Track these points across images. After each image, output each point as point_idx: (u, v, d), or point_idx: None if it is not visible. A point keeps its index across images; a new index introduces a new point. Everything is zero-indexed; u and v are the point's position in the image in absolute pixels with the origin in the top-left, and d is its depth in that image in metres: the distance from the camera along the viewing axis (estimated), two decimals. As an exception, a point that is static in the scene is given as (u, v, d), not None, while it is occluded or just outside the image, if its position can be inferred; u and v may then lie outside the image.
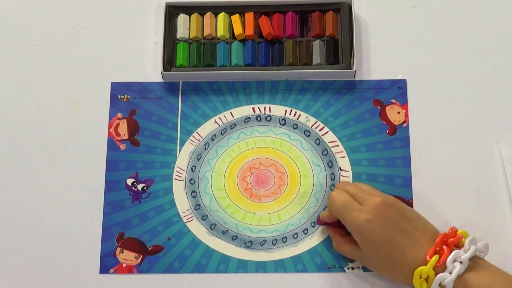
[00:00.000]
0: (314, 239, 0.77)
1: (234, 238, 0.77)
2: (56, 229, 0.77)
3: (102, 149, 0.80)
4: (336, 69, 0.82)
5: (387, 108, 0.81)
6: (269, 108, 0.82)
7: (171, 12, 0.85)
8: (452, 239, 0.68)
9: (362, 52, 0.84)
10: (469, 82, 0.82)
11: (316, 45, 0.83)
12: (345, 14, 0.84)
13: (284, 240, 0.77)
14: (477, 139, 0.80)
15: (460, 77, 0.82)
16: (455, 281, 0.67)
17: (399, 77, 0.83)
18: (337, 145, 0.80)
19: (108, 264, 0.76)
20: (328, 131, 0.81)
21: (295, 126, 0.81)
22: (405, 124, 0.81)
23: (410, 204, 0.77)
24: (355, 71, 0.81)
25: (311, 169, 0.80)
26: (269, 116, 0.82)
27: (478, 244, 0.69)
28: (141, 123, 0.81)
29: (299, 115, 0.81)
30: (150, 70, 0.84)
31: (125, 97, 0.82)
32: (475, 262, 0.68)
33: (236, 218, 0.78)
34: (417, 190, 0.78)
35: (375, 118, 0.81)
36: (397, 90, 0.82)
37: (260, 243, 0.77)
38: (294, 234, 0.77)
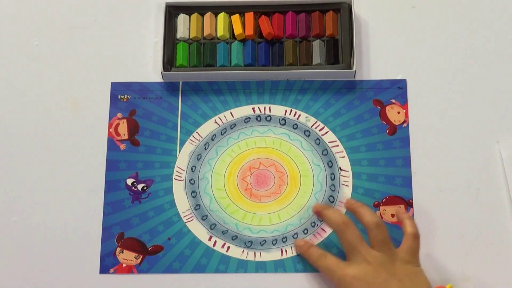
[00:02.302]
0: (314, 239, 0.77)
1: (234, 238, 0.77)
2: (56, 229, 0.77)
3: (102, 149, 0.80)
4: (336, 69, 0.82)
5: (387, 108, 0.81)
6: (269, 108, 0.82)
7: (171, 12, 0.85)
8: None
9: (362, 52, 0.84)
10: (469, 82, 0.82)
11: (316, 45, 0.83)
12: (345, 14, 0.84)
13: (284, 240, 0.77)
14: (477, 139, 0.80)
15: (460, 77, 0.82)
16: None
17: (399, 77, 0.83)
18: (337, 145, 0.80)
19: (108, 264, 0.76)
20: (328, 131, 0.81)
21: (295, 126, 0.81)
22: (405, 124, 0.81)
23: (410, 204, 0.77)
24: (355, 71, 0.81)
25: (311, 169, 0.80)
26: (269, 116, 0.82)
27: None
28: (141, 123, 0.81)
29: (299, 115, 0.81)
30: (150, 70, 0.84)
31: (125, 97, 0.82)
32: None
33: (236, 218, 0.78)
34: (417, 190, 0.78)
35: (375, 118, 0.81)
36: (397, 90, 0.82)
37: (260, 243, 0.77)
38: (294, 234, 0.77)
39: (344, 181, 0.79)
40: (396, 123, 0.81)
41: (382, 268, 0.70)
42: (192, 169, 0.80)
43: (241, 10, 0.85)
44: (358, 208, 0.74)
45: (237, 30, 0.83)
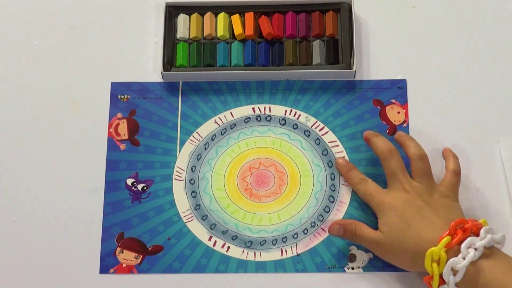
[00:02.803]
0: (314, 239, 0.77)
1: (234, 238, 0.77)
2: (56, 229, 0.77)
3: (102, 149, 0.80)
4: (336, 69, 0.82)
5: (387, 108, 0.81)
6: (269, 108, 0.82)
7: (171, 12, 0.85)
8: (469, 224, 0.68)
9: (362, 52, 0.84)
10: (469, 82, 0.82)
11: (316, 45, 0.83)
12: (345, 14, 0.84)
13: (284, 240, 0.77)
14: (477, 139, 0.80)
15: (460, 77, 0.82)
16: (468, 267, 0.66)
17: (399, 77, 0.83)
18: (337, 145, 0.80)
19: (108, 264, 0.76)
20: (328, 131, 0.81)
21: (295, 126, 0.81)
22: (405, 124, 0.81)
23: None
24: (355, 71, 0.81)
25: (311, 169, 0.80)
26: (269, 116, 0.82)
27: (495, 234, 0.69)
28: (141, 123, 0.81)
29: (299, 115, 0.81)
30: (150, 70, 0.84)
31: (125, 97, 0.82)
32: (491, 251, 0.67)
33: (236, 218, 0.78)
34: (417, 190, 0.78)
35: (375, 118, 0.81)
36: (397, 90, 0.82)
37: (260, 243, 0.77)
38: (294, 234, 0.77)
39: (344, 181, 0.79)
40: (396, 123, 0.81)
41: (418, 197, 0.72)
42: (192, 169, 0.80)
43: (241, 10, 0.85)
44: (406, 140, 0.76)
45: (237, 30, 0.83)
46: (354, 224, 0.74)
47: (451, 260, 0.67)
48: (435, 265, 0.67)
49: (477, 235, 0.68)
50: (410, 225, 0.70)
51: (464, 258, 0.67)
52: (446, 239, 0.67)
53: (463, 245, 0.67)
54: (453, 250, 0.68)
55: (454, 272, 0.67)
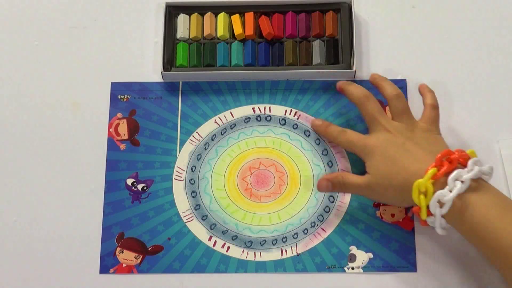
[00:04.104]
0: (314, 239, 0.77)
1: (234, 238, 0.77)
2: (56, 229, 0.77)
3: (102, 149, 0.80)
4: (336, 69, 0.82)
5: (387, 108, 0.81)
6: (269, 108, 0.82)
7: (171, 12, 0.85)
8: (455, 155, 0.68)
9: (362, 52, 0.84)
10: (469, 82, 0.82)
11: (316, 45, 0.83)
12: (345, 14, 0.84)
13: (284, 240, 0.77)
14: (477, 139, 0.80)
15: (460, 77, 0.82)
16: (455, 200, 0.66)
17: (399, 77, 0.83)
18: (337, 145, 0.80)
19: (108, 264, 0.76)
20: (328, 131, 0.81)
21: (295, 126, 0.81)
22: (405, 124, 0.81)
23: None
24: (355, 71, 0.81)
25: (311, 169, 0.80)
26: (269, 116, 0.82)
27: (483, 166, 0.69)
28: (141, 123, 0.81)
29: (299, 115, 0.81)
30: (150, 70, 0.84)
31: (125, 97, 0.82)
32: (478, 184, 0.67)
33: (236, 218, 0.78)
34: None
35: (375, 118, 0.81)
36: (397, 90, 0.82)
37: (260, 243, 0.77)
38: (294, 234, 0.77)
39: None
40: (396, 123, 0.81)
41: (400, 135, 0.73)
42: (192, 169, 0.80)
43: (241, 10, 0.85)
44: (380, 82, 0.77)
45: (237, 30, 0.83)
46: (340, 175, 0.75)
47: (438, 192, 0.67)
48: (422, 196, 0.68)
49: (465, 166, 0.68)
50: (396, 161, 0.71)
51: (451, 191, 0.67)
52: (432, 170, 0.67)
53: (450, 177, 0.67)
54: (440, 182, 0.68)
55: (441, 204, 0.67)
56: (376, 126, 0.74)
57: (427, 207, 0.68)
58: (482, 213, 0.66)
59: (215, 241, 0.77)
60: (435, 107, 0.76)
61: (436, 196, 0.67)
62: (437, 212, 0.67)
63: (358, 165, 0.79)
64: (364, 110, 0.76)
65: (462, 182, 0.67)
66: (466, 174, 0.67)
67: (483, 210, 0.66)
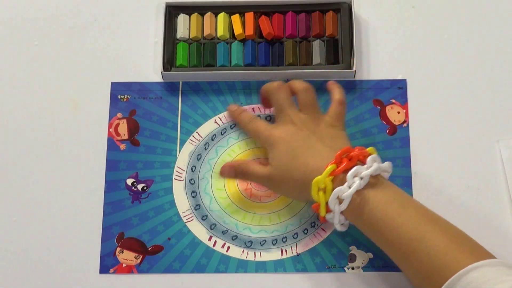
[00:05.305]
0: (314, 239, 0.77)
1: (234, 238, 0.77)
2: (56, 229, 0.77)
3: (102, 149, 0.80)
4: (336, 69, 0.82)
5: (387, 108, 0.81)
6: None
7: (171, 12, 0.85)
8: (355, 153, 0.69)
9: (362, 52, 0.84)
10: (469, 82, 0.82)
11: (316, 45, 0.83)
12: (345, 14, 0.84)
13: (284, 240, 0.77)
14: (477, 139, 0.80)
15: (460, 77, 0.83)
16: (354, 196, 0.67)
17: (399, 77, 0.83)
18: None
19: (108, 264, 0.76)
20: (328, 131, 0.81)
21: (295, 126, 0.81)
22: (405, 124, 0.81)
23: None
24: (355, 71, 0.81)
25: (311, 169, 0.79)
26: (269, 116, 0.82)
27: (382, 163, 0.69)
28: (141, 123, 0.81)
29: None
30: (150, 70, 0.84)
31: (125, 97, 0.82)
32: (377, 180, 0.68)
33: (236, 218, 0.78)
34: (417, 190, 0.78)
35: (375, 118, 0.81)
36: (397, 90, 0.82)
37: (260, 243, 0.77)
38: (294, 234, 0.77)
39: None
40: (396, 123, 0.81)
41: (305, 128, 0.73)
42: (192, 169, 0.80)
43: (241, 10, 0.85)
44: (289, 82, 0.77)
45: (237, 30, 0.83)
46: (244, 163, 0.76)
47: (337, 189, 0.67)
48: (321, 193, 0.68)
49: (364, 163, 0.69)
50: (297, 155, 0.71)
51: (350, 187, 0.67)
52: (330, 167, 0.68)
53: (349, 174, 0.67)
54: (339, 178, 0.68)
55: (340, 200, 0.68)
56: (284, 116, 0.74)
57: (327, 203, 0.69)
58: (381, 209, 0.66)
59: (215, 241, 0.77)
60: (342, 102, 0.76)
61: (335, 192, 0.67)
62: (336, 208, 0.68)
63: (358, 165, 0.79)
64: (275, 99, 0.76)
65: (361, 178, 0.67)
66: (365, 171, 0.67)
67: (382, 206, 0.67)
